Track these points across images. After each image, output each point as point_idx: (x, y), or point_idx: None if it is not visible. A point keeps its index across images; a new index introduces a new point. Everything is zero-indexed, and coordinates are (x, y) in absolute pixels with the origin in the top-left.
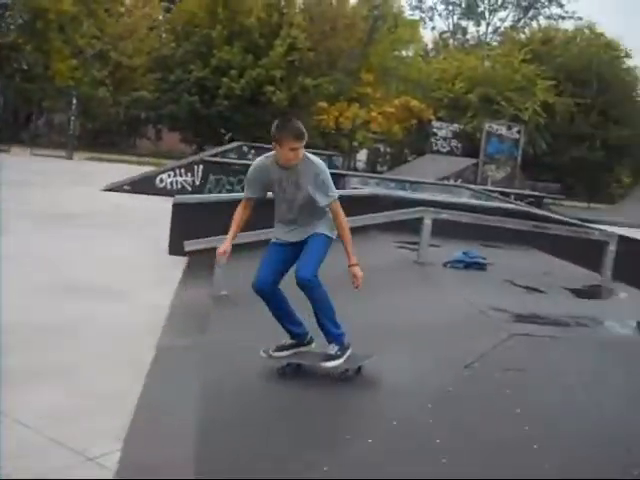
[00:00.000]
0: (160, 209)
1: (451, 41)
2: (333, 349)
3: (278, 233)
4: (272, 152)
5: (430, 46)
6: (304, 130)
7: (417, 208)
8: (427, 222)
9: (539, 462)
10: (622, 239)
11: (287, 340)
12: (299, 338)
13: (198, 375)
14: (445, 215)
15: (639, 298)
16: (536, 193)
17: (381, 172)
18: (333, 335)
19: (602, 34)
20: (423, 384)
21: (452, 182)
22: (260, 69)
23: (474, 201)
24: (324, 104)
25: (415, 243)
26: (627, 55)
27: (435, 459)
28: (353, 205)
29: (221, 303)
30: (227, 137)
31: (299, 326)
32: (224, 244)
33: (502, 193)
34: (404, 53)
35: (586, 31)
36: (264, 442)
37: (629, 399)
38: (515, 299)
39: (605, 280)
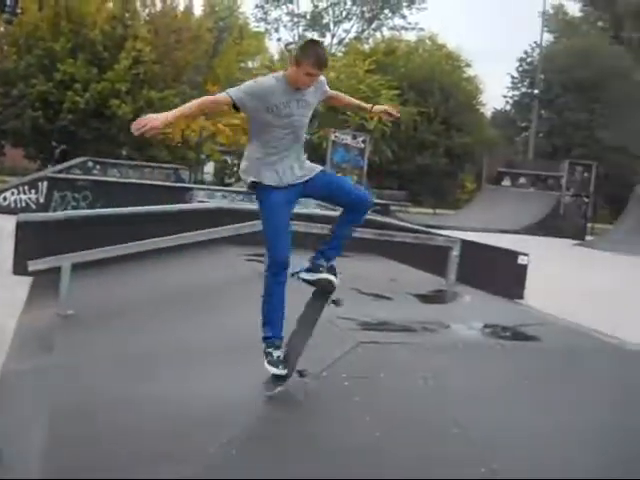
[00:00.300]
0: (4, 228)
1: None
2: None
3: (281, 174)
4: (280, 73)
5: (276, 57)
6: (327, 59)
7: (250, 223)
8: None
9: (391, 467)
10: (465, 243)
11: (279, 355)
12: (280, 340)
13: (45, 398)
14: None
15: (483, 300)
16: (382, 201)
17: (229, 184)
18: (333, 254)
19: (444, 45)
20: (271, 396)
21: None
22: (105, 82)
23: (319, 211)
24: None
25: (262, 255)
26: (467, 65)
27: (285, 471)
28: (199, 219)
29: (68, 323)
30: (59, 150)
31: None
32: (163, 116)
33: None
34: (250, 65)
35: (428, 42)
36: (115, 461)
37: (476, 400)
38: (362, 307)
39: (450, 284)
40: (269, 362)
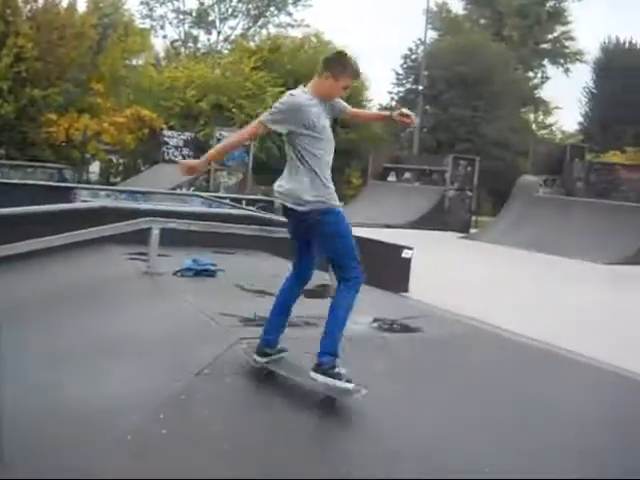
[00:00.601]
0: None
1: (183, 49)
2: None
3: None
4: (301, 87)
5: (162, 55)
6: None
7: (145, 218)
8: (155, 232)
9: (271, 461)
10: None
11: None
12: None
13: None
14: (173, 224)
15: (367, 294)
16: (267, 197)
17: (115, 183)
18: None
19: (329, 42)
20: (154, 395)
21: (185, 190)
22: None
23: (202, 208)
24: (53, 116)
25: (146, 254)
26: None
27: (169, 470)
28: (83, 218)
29: None
30: None
31: None
32: (201, 159)
33: (234, 199)
34: (135, 62)
35: (314, 39)
36: None
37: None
38: (244, 303)
39: (333, 278)
40: (348, 380)
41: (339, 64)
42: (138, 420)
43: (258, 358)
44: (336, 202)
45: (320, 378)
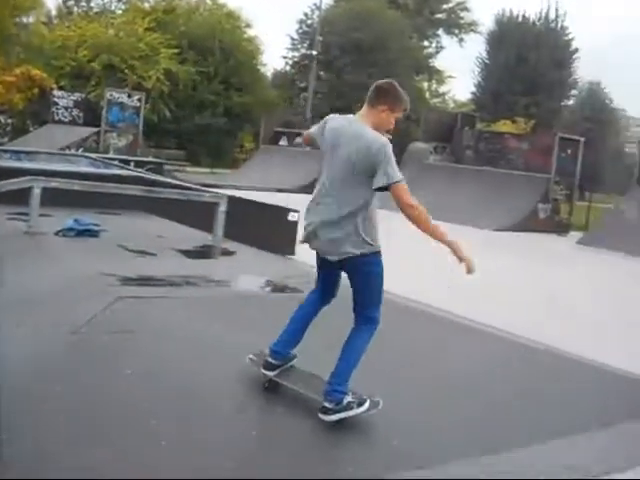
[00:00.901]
0: None
1: (75, 8)
2: None
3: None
4: (368, 125)
5: (54, 13)
6: None
7: (25, 177)
8: (36, 191)
9: (152, 414)
10: (234, 200)
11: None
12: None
13: None
14: (55, 183)
15: (251, 255)
16: (156, 160)
17: (2, 144)
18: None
19: (224, 5)
20: (29, 354)
21: (73, 151)
22: None
23: (88, 168)
24: None
25: (27, 214)
26: (248, 25)
27: (45, 432)
28: None
29: None
30: None
31: None
32: (454, 245)
33: (122, 161)
34: (26, 20)
35: (208, 1)
36: None
37: (231, 346)
38: (126, 263)
39: (216, 240)
40: (360, 403)
41: (394, 97)
42: (14, 379)
43: (266, 372)
44: (378, 244)
45: (333, 418)
